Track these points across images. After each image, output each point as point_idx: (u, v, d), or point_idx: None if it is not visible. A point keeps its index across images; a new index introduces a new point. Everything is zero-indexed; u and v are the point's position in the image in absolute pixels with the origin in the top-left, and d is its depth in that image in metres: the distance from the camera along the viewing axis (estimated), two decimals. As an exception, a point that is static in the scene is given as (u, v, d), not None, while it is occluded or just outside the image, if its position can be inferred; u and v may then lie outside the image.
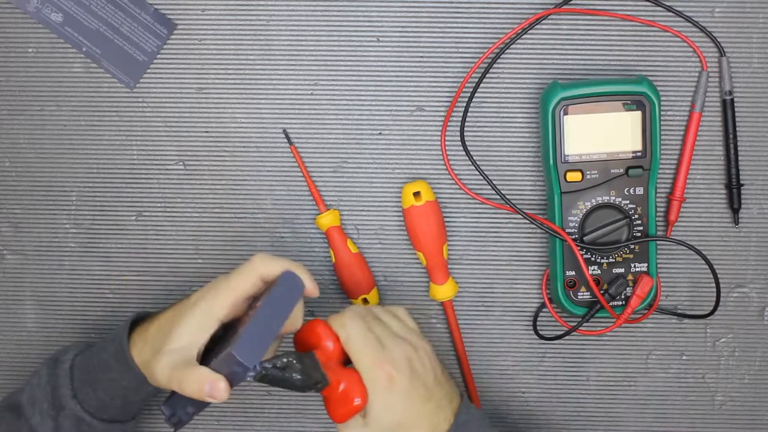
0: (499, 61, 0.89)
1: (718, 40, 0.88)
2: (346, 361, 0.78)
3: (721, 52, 0.88)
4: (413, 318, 0.82)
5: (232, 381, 0.73)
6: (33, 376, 0.82)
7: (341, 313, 0.79)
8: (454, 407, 0.79)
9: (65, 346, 0.85)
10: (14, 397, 0.83)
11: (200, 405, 0.79)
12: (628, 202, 0.86)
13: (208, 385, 0.72)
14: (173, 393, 0.79)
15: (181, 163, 0.91)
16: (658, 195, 0.89)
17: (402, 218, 0.90)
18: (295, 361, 0.73)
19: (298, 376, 0.73)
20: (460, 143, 0.89)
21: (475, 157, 0.89)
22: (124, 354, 0.78)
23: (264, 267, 0.77)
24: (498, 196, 0.88)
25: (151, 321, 0.80)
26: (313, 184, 0.90)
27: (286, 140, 0.90)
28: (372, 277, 0.90)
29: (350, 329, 0.77)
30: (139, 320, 0.81)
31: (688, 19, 0.88)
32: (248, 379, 0.72)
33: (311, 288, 0.78)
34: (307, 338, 0.78)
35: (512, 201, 0.88)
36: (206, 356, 0.76)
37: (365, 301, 0.90)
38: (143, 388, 0.79)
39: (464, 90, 0.89)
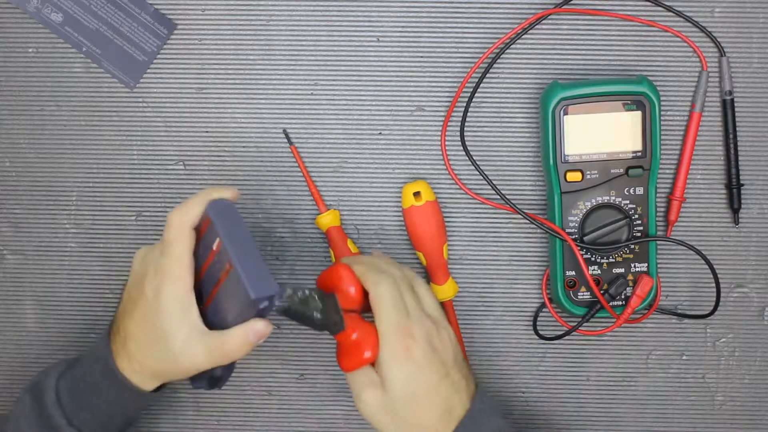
0: (499, 61, 0.89)
1: (718, 40, 0.88)
2: (363, 309, 0.79)
3: (721, 52, 0.88)
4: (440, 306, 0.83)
5: (262, 317, 0.75)
6: (17, 408, 0.79)
7: (376, 268, 0.79)
8: (471, 393, 0.79)
9: (44, 369, 0.81)
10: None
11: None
12: (628, 202, 0.86)
13: (251, 335, 0.74)
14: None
15: (181, 163, 0.91)
16: (658, 195, 0.89)
17: (402, 218, 0.90)
18: (317, 297, 0.76)
19: (318, 315, 0.76)
20: (460, 143, 0.89)
21: (475, 157, 0.89)
22: (114, 374, 0.76)
23: (187, 218, 0.76)
24: (498, 196, 0.88)
25: (122, 336, 0.77)
26: (313, 184, 0.90)
27: (286, 140, 0.90)
28: (372, 277, 0.90)
29: (381, 289, 0.77)
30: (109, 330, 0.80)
31: (688, 19, 0.88)
32: (274, 308, 0.74)
33: (233, 194, 0.78)
34: (330, 279, 0.80)
35: (512, 201, 0.88)
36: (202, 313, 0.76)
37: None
38: (143, 398, 0.78)
39: (464, 90, 0.89)
